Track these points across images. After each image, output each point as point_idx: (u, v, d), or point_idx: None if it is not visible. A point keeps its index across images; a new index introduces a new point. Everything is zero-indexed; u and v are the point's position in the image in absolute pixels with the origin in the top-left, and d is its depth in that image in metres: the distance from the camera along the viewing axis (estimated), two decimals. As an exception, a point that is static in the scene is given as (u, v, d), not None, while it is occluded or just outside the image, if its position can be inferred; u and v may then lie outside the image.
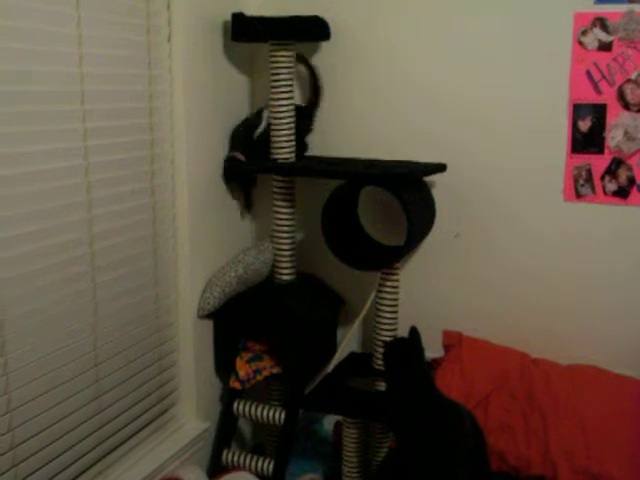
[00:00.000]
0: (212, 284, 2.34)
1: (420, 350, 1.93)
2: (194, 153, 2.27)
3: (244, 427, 2.73)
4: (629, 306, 2.23)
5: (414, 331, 1.95)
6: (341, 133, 2.51)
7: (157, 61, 2.14)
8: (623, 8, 2.10)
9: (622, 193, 2.20)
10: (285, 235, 2.47)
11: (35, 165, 1.73)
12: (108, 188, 1.98)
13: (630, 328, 2.24)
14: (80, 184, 1.88)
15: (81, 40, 1.84)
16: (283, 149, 2.40)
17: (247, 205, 2.60)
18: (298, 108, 2.44)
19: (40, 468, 1.83)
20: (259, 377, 2.40)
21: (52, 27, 1.75)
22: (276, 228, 2.47)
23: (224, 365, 2.45)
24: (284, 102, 2.36)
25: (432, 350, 2.29)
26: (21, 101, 1.68)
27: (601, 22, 2.13)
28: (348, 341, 2.51)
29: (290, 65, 2.35)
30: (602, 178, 2.21)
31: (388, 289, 2.31)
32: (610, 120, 2.17)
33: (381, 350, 2.31)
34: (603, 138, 2.19)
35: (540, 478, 2.03)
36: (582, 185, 2.24)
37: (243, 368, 2.40)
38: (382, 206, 2.41)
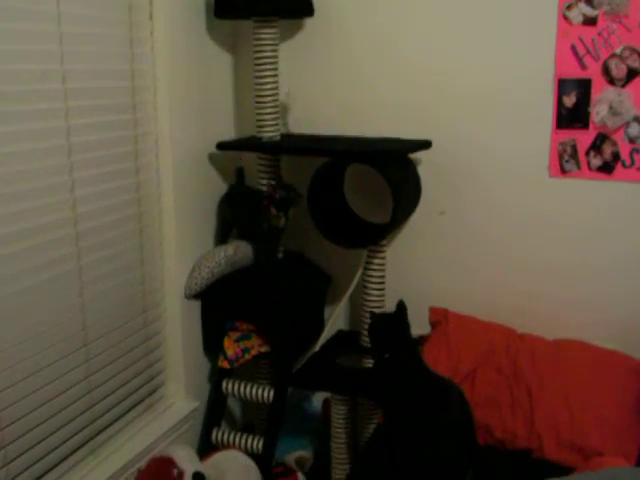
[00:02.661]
0: (200, 264, 2.34)
1: (406, 324, 1.93)
2: (178, 132, 2.25)
3: (233, 406, 2.74)
4: (614, 283, 2.24)
5: (401, 305, 1.94)
6: (326, 110, 2.49)
7: (139, 39, 2.11)
8: (608, -18, 2.10)
9: (607, 168, 2.20)
10: (271, 214, 2.46)
11: (17, 145, 1.71)
12: (91, 168, 1.97)
13: (616, 305, 2.24)
14: (63, 164, 1.86)
15: (60, 18, 1.81)
16: (268, 127, 2.38)
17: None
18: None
19: (29, 449, 1.83)
20: (247, 356, 2.40)
21: (30, 5, 1.73)
22: (262, 207, 2.46)
23: (212, 345, 2.46)
24: (269, 80, 2.34)
25: (419, 327, 2.30)
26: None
27: (586, -4, 2.12)
28: (335, 319, 2.52)
29: (274, 42, 2.33)
30: (587, 154, 2.22)
31: (375, 267, 2.31)
32: (595, 95, 2.17)
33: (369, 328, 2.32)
34: (588, 113, 2.19)
35: (526, 451, 2.06)
36: (567, 161, 2.24)
37: (231, 347, 2.40)
38: (368, 183, 2.40)
